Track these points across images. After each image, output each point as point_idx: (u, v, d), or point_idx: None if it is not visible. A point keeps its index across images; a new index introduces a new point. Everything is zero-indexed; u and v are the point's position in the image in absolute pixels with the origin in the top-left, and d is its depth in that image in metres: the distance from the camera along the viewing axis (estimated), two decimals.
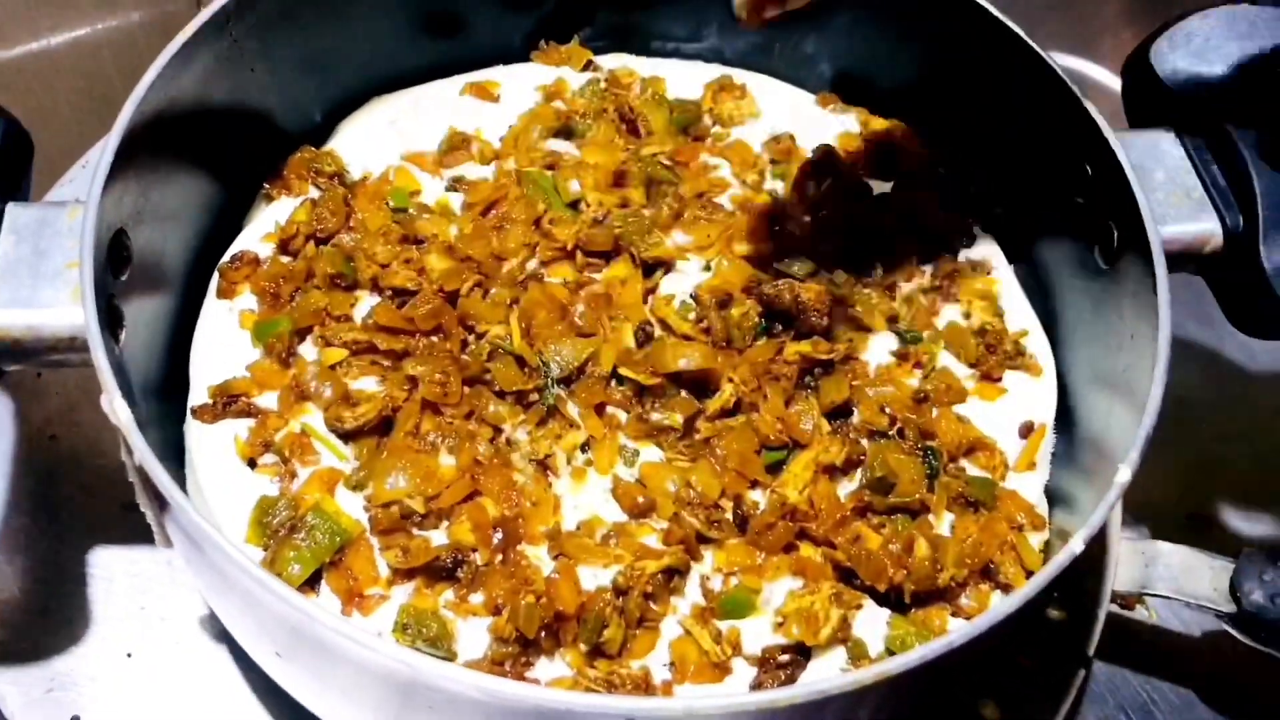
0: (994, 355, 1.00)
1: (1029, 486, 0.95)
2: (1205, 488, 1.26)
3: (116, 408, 0.73)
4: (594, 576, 0.84)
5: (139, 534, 0.86)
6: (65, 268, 0.81)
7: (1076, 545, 0.73)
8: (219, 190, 1.02)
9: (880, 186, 1.10)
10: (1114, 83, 1.57)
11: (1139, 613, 1.12)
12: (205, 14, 0.92)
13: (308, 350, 0.94)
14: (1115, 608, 1.03)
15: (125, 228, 0.86)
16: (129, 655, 0.93)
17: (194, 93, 0.93)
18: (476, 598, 0.83)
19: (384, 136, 1.08)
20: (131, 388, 0.83)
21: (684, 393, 0.92)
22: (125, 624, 0.95)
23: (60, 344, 0.81)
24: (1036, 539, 0.92)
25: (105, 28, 1.44)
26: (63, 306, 0.80)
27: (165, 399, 0.92)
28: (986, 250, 1.08)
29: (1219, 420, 1.31)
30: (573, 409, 0.91)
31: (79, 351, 0.79)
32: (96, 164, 0.82)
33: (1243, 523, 1.24)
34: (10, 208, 0.84)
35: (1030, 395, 1.00)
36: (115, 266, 0.85)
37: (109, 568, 0.97)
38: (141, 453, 0.71)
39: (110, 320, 0.82)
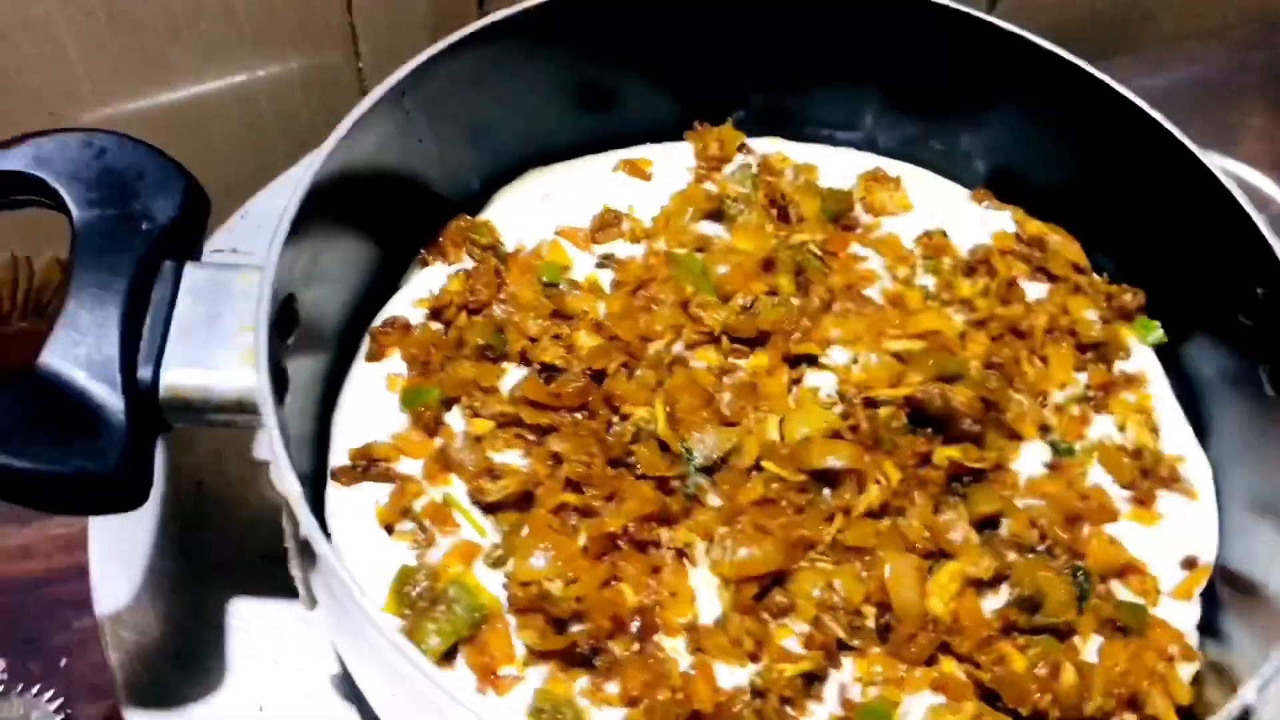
0: (1148, 479, 0.97)
1: (1181, 616, 0.92)
2: None
3: (286, 480, 0.74)
4: (730, 675, 0.83)
5: (278, 587, 0.87)
6: (239, 331, 0.83)
7: (1249, 695, 0.70)
8: (376, 254, 1.05)
9: (1035, 290, 1.08)
10: (1266, 185, 1.53)
11: None
12: (384, 86, 0.94)
13: (453, 419, 0.95)
14: None
15: (295, 292, 0.88)
16: (260, 709, 0.94)
17: (367, 160, 0.96)
18: (612, 687, 0.83)
19: (538, 210, 1.10)
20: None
21: (826, 491, 0.91)
22: (259, 675, 0.96)
23: (228, 405, 0.82)
24: (1186, 670, 0.89)
25: (265, 75, 1.46)
26: (233, 369, 0.81)
27: (309, 460, 0.94)
28: (1143, 362, 1.06)
29: None
30: (713, 499, 0.91)
31: (246, 413, 0.80)
32: (275, 229, 0.83)
33: None
34: (188, 268, 0.86)
35: (1189, 524, 0.96)
36: (284, 330, 0.86)
37: (246, 618, 0.98)
38: (308, 526, 0.72)
39: (277, 385, 0.83)
